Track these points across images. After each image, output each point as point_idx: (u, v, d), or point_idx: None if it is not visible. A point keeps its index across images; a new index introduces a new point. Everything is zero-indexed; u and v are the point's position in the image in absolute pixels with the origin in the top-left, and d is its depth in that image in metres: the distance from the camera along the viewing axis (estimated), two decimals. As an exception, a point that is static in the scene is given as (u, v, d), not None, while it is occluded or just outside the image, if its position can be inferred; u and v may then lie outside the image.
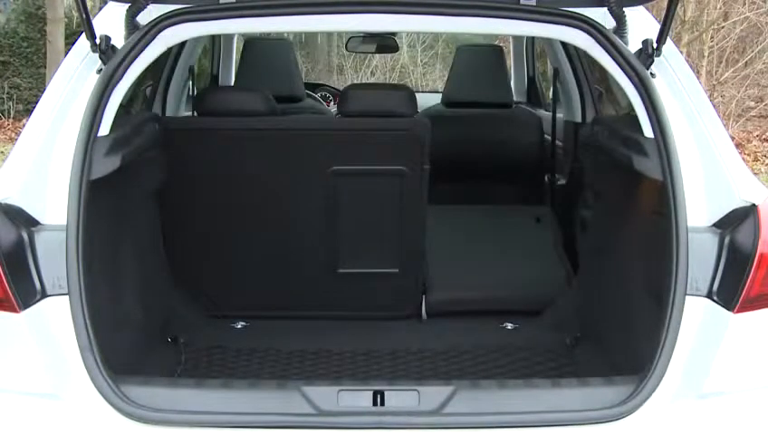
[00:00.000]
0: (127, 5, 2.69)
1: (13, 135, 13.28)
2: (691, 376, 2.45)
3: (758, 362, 2.51)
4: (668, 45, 2.73)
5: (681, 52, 3.98)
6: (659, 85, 2.66)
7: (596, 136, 3.54)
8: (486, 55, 4.69)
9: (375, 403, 2.42)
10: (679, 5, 3.21)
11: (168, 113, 4.42)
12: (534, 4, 2.71)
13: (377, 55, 15.25)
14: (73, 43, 2.79)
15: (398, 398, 2.42)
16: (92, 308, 2.40)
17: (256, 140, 3.50)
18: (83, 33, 2.67)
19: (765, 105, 14.85)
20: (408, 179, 3.54)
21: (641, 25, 2.83)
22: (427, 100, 6.16)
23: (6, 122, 14.38)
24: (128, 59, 2.63)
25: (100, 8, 2.94)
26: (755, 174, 2.90)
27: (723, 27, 14.58)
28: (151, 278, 3.44)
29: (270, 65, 4.57)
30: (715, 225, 2.54)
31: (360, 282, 3.75)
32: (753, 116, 14.67)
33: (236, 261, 3.69)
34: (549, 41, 4.60)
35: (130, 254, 3.19)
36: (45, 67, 13.03)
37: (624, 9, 2.73)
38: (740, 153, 2.75)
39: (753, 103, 14.91)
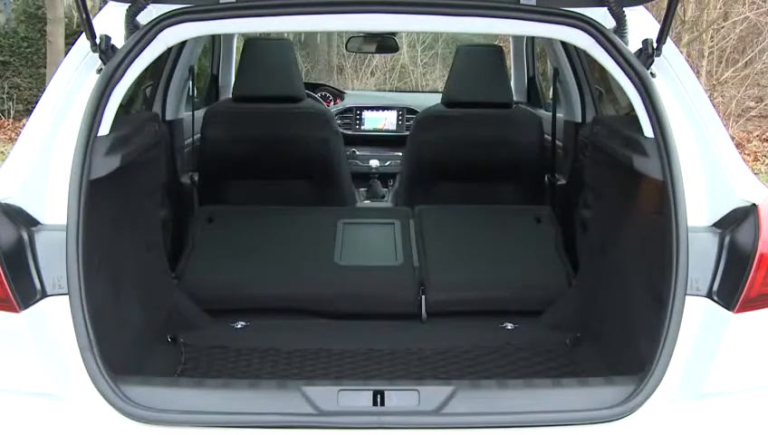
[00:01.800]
0: (127, 5, 2.69)
1: (13, 135, 13.27)
2: (691, 376, 2.45)
3: (758, 362, 2.50)
4: (668, 45, 2.73)
5: (681, 52, 3.98)
6: (659, 85, 2.66)
7: (596, 136, 3.54)
8: (486, 55, 4.69)
9: (375, 403, 2.41)
10: (679, 5, 3.21)
11: (168, 113, 4.43)
12: (534, 4, 2.71)
13: (377, 55, 15.26)
14: (73, 43, 2.79)
15: (398, 398, 2.41)
16: (92, 308, 2.40)
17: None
18: (83, 33, 2.67)
19: (765, 105, 14.85)
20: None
21: (641, 25, 2.82)
22: (428, 100, 6.16)
23: (6, 122, 14.37)
24: (128, 59, 2.63)
25: (100, 8, 2.94)
26: (755, 174, 2.90)
27: (723, 27, 14.59)
28: (151, 278, 3.44)
29: (270, 65, 4.56)
30: (715, 225, 2.54)
31: (361, 276, 3.76)
32: (753, 116, 14.67)
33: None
34: (549, 41, 4.60)
35: (131, 254, 3.19)
36: (45, 67, 13.03)
37: (624, 9, 2.73)
38: (740, 153, 2.75)
39: (753, 103, 14.91)
